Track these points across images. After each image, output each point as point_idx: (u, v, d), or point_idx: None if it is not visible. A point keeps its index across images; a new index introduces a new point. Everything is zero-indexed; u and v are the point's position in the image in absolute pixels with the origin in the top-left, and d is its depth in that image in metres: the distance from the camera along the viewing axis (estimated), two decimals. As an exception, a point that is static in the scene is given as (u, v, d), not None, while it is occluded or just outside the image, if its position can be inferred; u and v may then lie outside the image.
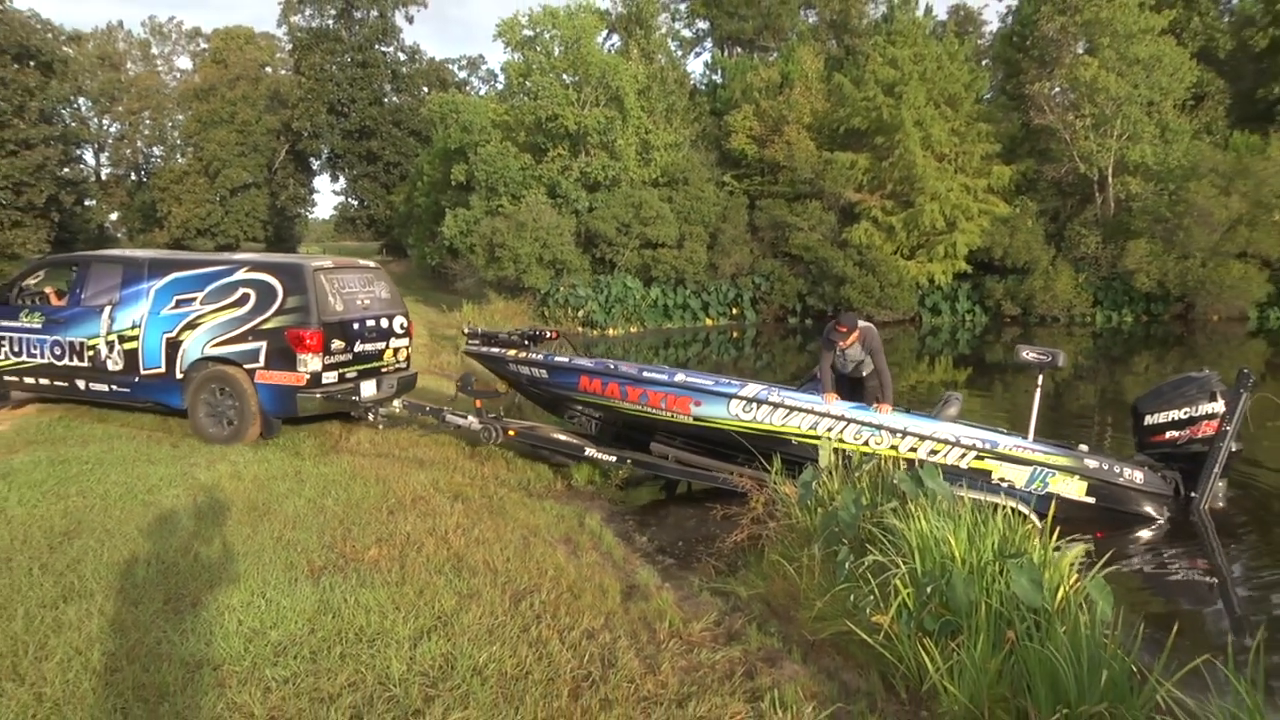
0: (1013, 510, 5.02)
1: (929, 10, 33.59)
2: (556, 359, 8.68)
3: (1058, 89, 28.43)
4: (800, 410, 7.54)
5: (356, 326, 8.66)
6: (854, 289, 27.07)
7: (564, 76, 28.34)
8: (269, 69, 55.81)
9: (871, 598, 4.32)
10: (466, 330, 9.59)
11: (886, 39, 29.98)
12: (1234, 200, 24.41)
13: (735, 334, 27.19)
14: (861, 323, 7.75)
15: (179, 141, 55.84)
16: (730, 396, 7.72)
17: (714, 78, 37.88)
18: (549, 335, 9.24)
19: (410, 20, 54.79)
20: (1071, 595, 4.04)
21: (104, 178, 59.04)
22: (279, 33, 54.12)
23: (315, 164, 55.83)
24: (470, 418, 8.51)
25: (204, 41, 60.87)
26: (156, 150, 59.95)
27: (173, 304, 8.60)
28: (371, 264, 9.65)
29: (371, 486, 6.75)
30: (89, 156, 56.53)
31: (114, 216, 58.98)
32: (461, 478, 7.72)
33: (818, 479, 6.02)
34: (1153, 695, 3.41)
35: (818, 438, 7.27)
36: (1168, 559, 6.81)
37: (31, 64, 37.20)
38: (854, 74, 29.73)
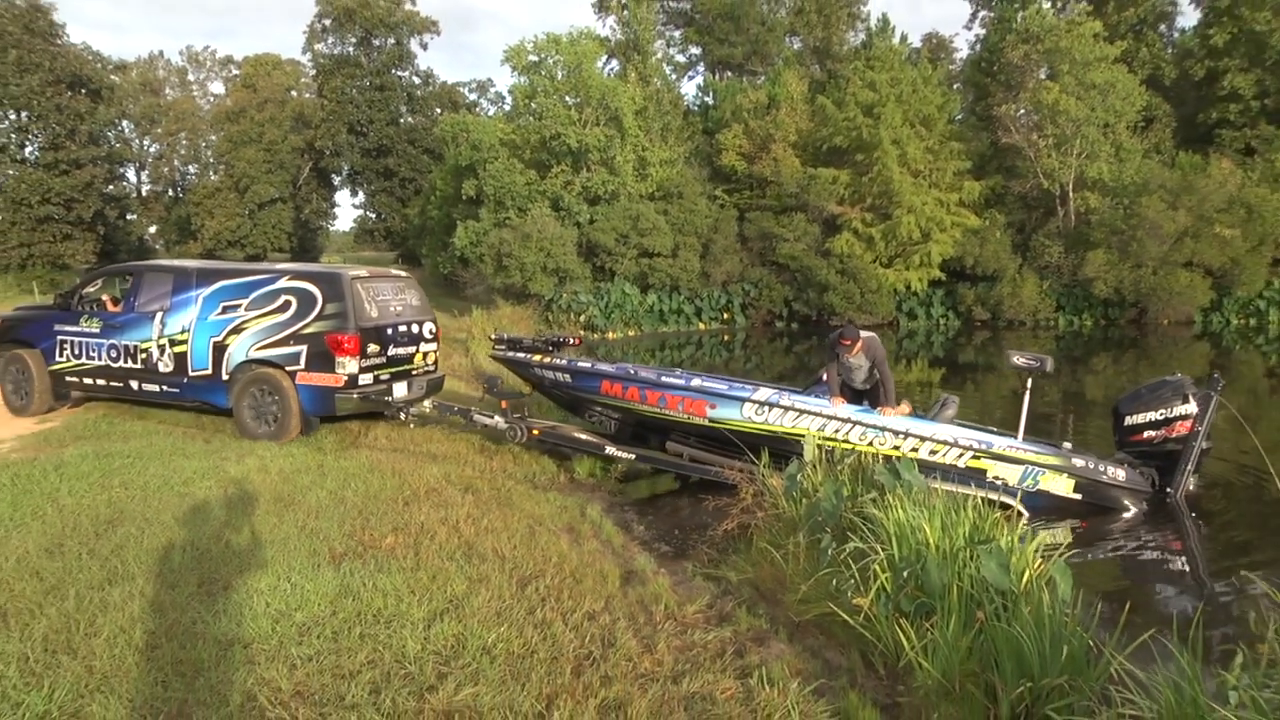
0: (993, 502, 5.04)
1: (904, 38, 33.59)
2: (580, 364, 8.60)
3: (1022, 111, 28.48)
4: (809, 413, 7.47)
5: (390, 331, 8.61)
6: (836, 295, 27.07)
7: (566, 98, 28.32)
8: (294, 92, 55.69)
9: (852, 582, 4.32)
10: (493, 336, 9.51)
11: (866, 64, 30.00)
12: (1180, 214, 24.50)
13: (726, 337, 27.16)
14: (863, 333, 7.70)
15: (212, 160, 55.77)
16: (744, 400, 7.67)
17: (706, 99, 37.88)
18: (572, 341, 9.17)
19: (425, 47, 55.00)
20: (1036, 578, 4.05)
21: (144, 194, 58.99)
22: (304, 59, 54.02)
23: (336, 180, 55.69)
24: (496, 417, 8.46)
25: (235, 68, 60.92)
26: (191, 168, 59.96)
27: (219, 310, 8.56)
28: (403, 273, 9.56)
29: (388, 479, 6.73)
30: (131, 174, 56.56)
31: (153, 229, 58.83)
32: (472, 471, 7.71)
33: (802, 472, 6.02)
34: (1107, 668, 3.42)
35: (827, 439, 7.18)
36: (1138, 546, 6.82)
37: (83, 91, 37.48)
38: (835, 96, 29.73)
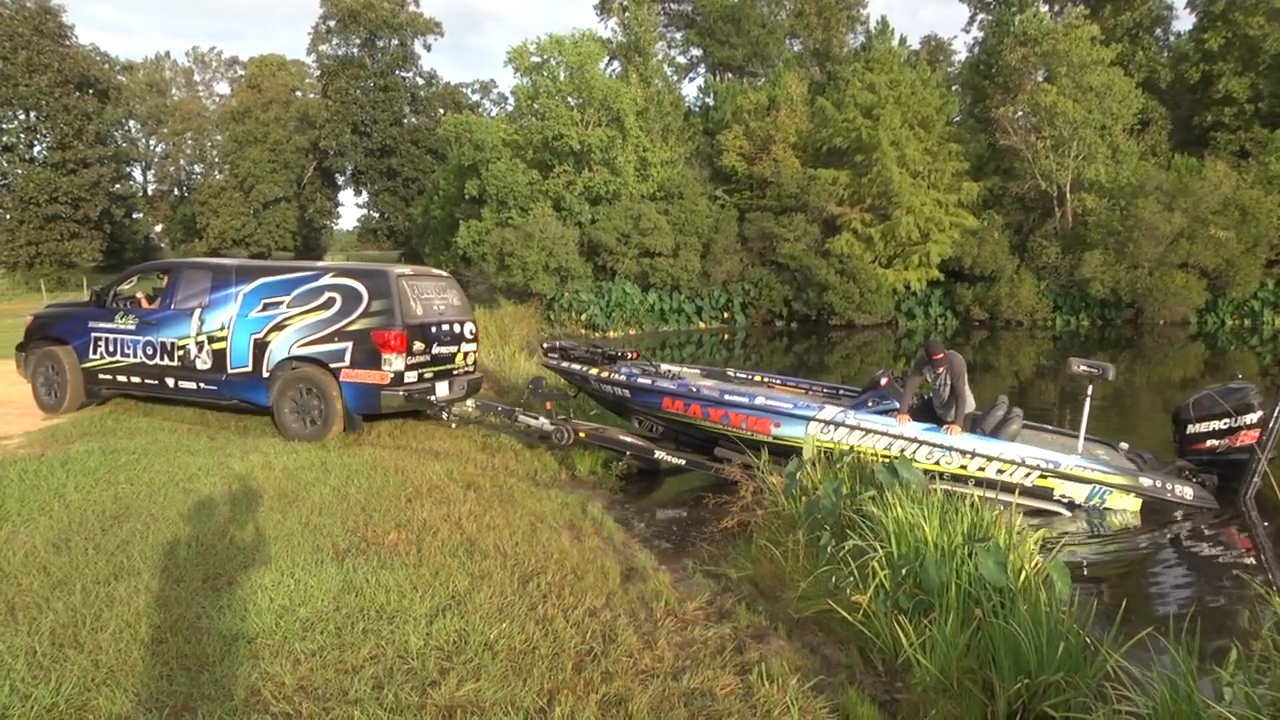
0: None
1: (903, 40, 33.61)
2: (640, 380, 8.54)
3: (1020, 113, 28.47)
4: (875, 432, 7.38)
5: (434, 330, 8.52)
6: (836, 295, 27.06)
7: (569, 99, 28.32)
8: (299, 93, 55.75)
9: (851, 579, 4.32)
10: (545, 345, 9.46)
11: (865, 66, 30.02)
12: (1176, 216, 24.54)
13: (726, 336, 27.15)
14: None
15: (217, 159, 55.84)
16: (809, 419, 7.60)
17: (707, 100, 37.91)
18: (629, 355, 9.15)
19: (428, 48, 55.05)
20: (1033, 576, 4.05)
21: (150, 193, 59.07)
22: (309, 60, 54.14)
23: (340, 179, 55.79)
24: (541, 419, 8.38)
25: (241, 69, 61.05)
26: (197, 168, 60.00)
27: (260, 307, 8.43)
28: (444, 273, 9.44)
29: (391, 476, 6.72)
30: (137, 174, 56.81)
31: (158, 228, 58.99)
32: (474, 468, 7.69)
33: (802, 470, 6.00)
34: (1104, 665, 3.42)
35: (893, 458, 6.98)
36: (1201, 548, 6.79)
37: (90, 92, 37.55)
38: (835, 98, 29.73)
